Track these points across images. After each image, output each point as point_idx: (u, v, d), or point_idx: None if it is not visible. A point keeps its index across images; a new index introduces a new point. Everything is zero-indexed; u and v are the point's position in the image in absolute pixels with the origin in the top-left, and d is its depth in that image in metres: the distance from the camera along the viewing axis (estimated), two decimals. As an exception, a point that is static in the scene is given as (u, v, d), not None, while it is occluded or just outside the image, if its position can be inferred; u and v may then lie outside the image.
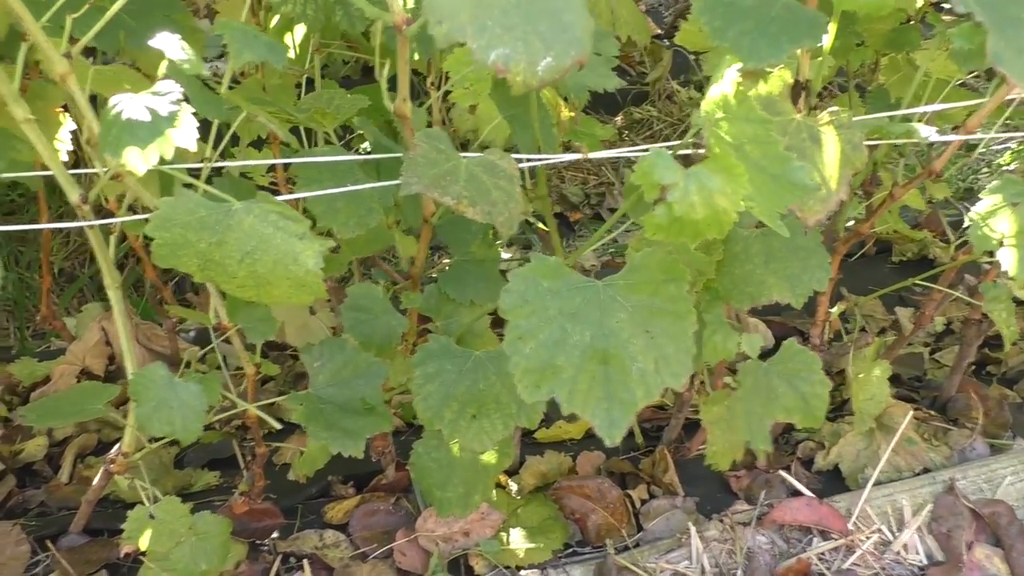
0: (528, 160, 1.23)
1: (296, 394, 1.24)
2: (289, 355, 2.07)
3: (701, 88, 3.22)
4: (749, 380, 1.33)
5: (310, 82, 1.51)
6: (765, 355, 1.35)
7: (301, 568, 1.48)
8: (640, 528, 1.56)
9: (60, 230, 2.49)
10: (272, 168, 1.68)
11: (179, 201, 1.01)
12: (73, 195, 1.09)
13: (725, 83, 0.99)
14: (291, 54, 1.51)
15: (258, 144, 1.75)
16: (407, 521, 1.54)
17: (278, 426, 1.26)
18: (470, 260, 1.37)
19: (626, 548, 1.52)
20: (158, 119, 0.95)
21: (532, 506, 1.57)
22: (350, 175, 1.23)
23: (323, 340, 1.26)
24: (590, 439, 1.78)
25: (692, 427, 1.71)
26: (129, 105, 0.96)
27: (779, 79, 1.15)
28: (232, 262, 1.03)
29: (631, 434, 1.77)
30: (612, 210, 2.99)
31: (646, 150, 1.00)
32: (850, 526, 1.52)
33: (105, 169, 1.09)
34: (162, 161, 0.96)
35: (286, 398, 1.25)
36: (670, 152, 0.99)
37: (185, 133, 0.96)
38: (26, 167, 1.22)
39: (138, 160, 0.95)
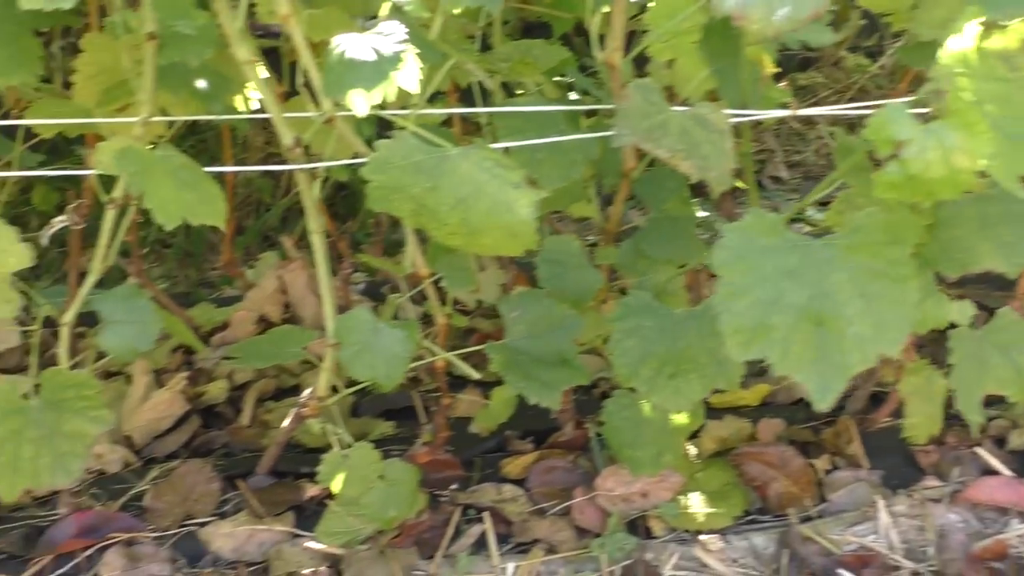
0: (735, 116, 1.19)
1: (493, 344, 1.24)
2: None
3: (872, 54, 3.11)
4: (961, 349, 1.28)
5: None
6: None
7: (480, 520, 1.48)
8: (823, 499, 1.51)
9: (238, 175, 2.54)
10: (446, 121, 1.67)
11: (397, 144, 1.02)
12: (287, 138, 1.10)
13: (964, 38, 0.94)
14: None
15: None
16: (585, 479, 1.53)
17: (476, 375, 1.26)
18: (666, 217, 1.35)
19: (808, 519, 1.48)
20: (382, 60, 0.95)
21: (711, 471, 1.54)
22: (553, 126, 1.21)
23: (520, 291, 1.25)
24: (766, 407, 1.74)
25: (875, 398, 1.66)
26: (353, 45, 0.96)
27: (1017, 33, 1.09)
28: (445, 208, 1.03)
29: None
30: (774, 178, 2.93)
31: (867, 107, 0.96)
32: (1051, 508, 1.46)
33: (319, 113, 1.09)
34: (383, 103, 0.96)
35: (484, 347, 1.24)
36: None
37: (408, 75, 0.96)
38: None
39: (361, 101, 0.95)
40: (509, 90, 1.37)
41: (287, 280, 2.00)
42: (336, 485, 1.31)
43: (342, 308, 1.93)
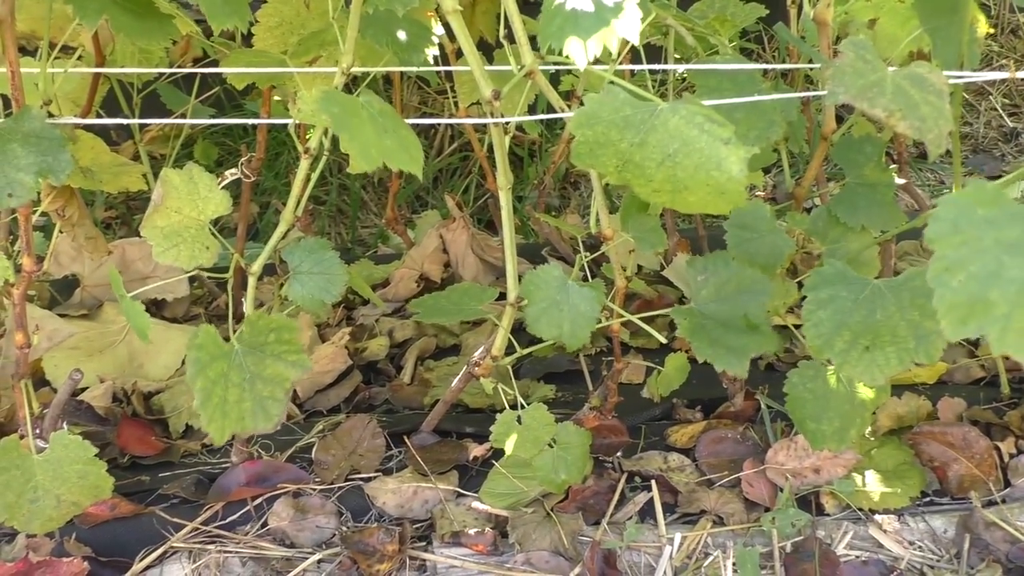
0: (952, 77, 1.13)
1: (679, 308, 1.21)
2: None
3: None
4: None
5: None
6: None
7: (646, 488, 1.46)
8: (1007, 484, 1.45)
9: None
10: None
11: (606, 98, 0.99)
12: (486, 90, 1.09)
13: None
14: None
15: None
16: (754, 452, 1.49)
17: (663, 340, 1.23)
18: (862, 183, 1.29)
19: (992, 503, 1.42)
20: (603, 9, 0.92)
21: (887, 449, 1.49)
22: (752, 85, 1.17)
23: (708, 255, 1.21)
24: (942, 385, 1.68)
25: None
26: (572, -5, 0.93)
27: None
28: (652, 164, 1.00)
29: (995, 382, 1.65)
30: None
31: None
32: None
33: (521, 66, 1.07)
34: (605, 55, 0.93)
35: (671, 311, 1.21)
36: None
37: (629, 24, 0.93)
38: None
39: (580, 51, 0.93)
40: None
41: (448, 239, 2.00)
42: (508, 445, 1.30)
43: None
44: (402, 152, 1.05)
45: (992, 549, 1.35)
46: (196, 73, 1.86)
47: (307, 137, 1.20)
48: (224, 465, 1.52)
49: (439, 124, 1.94)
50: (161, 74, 1.98)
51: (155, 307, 1.97)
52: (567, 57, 0.94)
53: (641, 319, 1.28)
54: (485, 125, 1.15)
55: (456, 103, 1.68)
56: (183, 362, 1.79)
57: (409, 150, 1.06)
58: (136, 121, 1.38)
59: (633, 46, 1.41)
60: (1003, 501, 1.42)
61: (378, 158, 1.01)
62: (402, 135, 1.07)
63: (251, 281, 1.22)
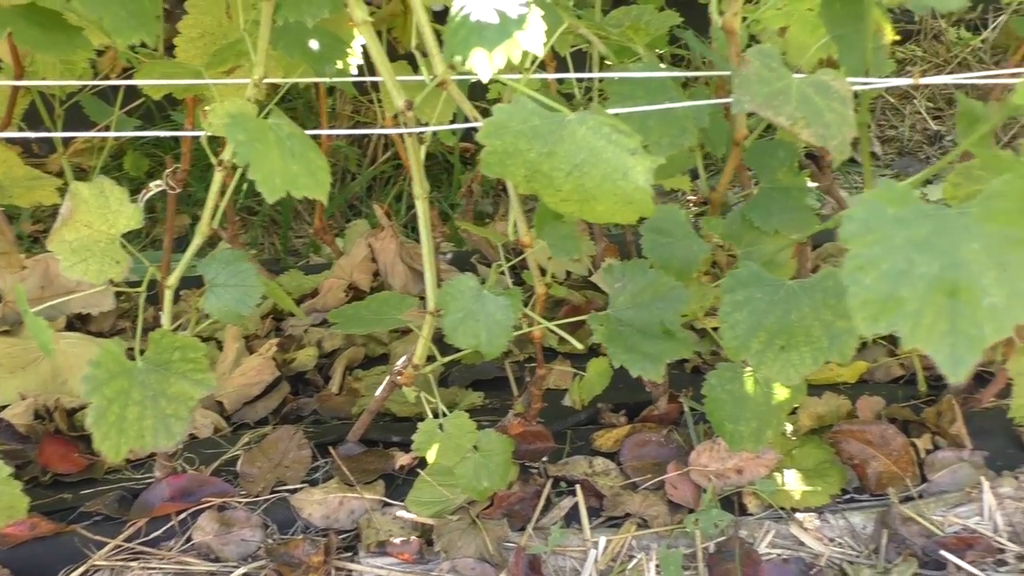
0: (856, 83, 1.16)
1: (596, 314, 1.22)
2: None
3: (974, 28, 3.03)
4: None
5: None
6: None
7: (571, 493, 1.47)
8: (924, 479, 1.48)
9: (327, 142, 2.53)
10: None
11: (514, 108, 1.00)
12: (399, 101, 1.09)
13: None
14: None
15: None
16: (678, 454, 1.51)
17: (580, 347, 1.24)
18: (776, 188, 1.32)
19: (909, 499, 1.44)
20: (507, 21, 0.93)
21: (808, 448, 1.51)
22: (664, 92, 1.19)
23: (625, 262, 1.23)
24: (863, 384, 1.71)
25: (980, 378, 1.62)
26: (477, 7, 0.94)
27: None
28: (560, 174, 1.01)
29: (913, 380, 1.69)
30: (870, 154, 2.88)
31: (1014, 74, 0.92)
32: None
33: (430, 77, 1.08)
34: (508, 66, 0.94)
35: (588, 317, 1.22)
36: None
37: (533, 37, 0.94)
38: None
39: (484, 63, 0.93)
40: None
41: (377, 248, 2.00)
42: (431, 454, 1.30)
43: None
44: (308, 177, 1.05)
45: (909, 543, 1.38)
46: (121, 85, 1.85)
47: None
48: (148, 481, 1.51)
49: (351, 135, 1.94)
50: (84, 86, 1.96)
51: (80, 321, 1.94)
52: (471, 68, 0.95)
53: (562, 326, 1.29)
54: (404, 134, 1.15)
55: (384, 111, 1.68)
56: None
57: (316, 175, 1.06)
58: (57, 135, 1.36)
59: (558, 53, 1.42)
60: (920, 496, 1.45)
61: (282, 187, 1.01)
62: (310, 158, 1.07)
63: (167, 295, 1.21)
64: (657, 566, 1.35)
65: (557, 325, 1.25)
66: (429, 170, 2.54)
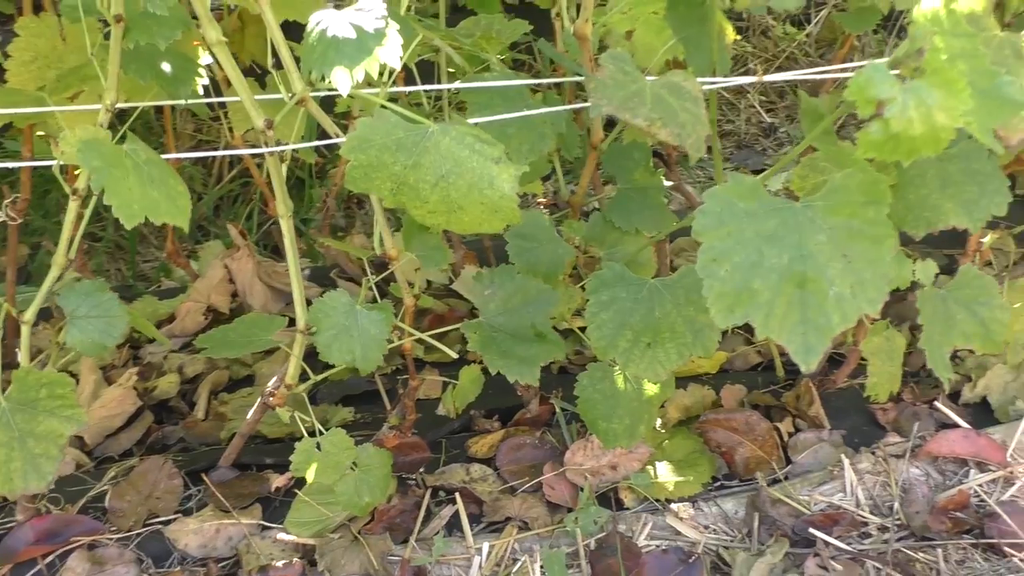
0: (705, 83, 1.19)
1: (469, 323, 1.23)
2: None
3: (798, 23, 3.15)
4: (928, 307, 1.30)
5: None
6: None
7: (451, 502, 1.47)
8: (788, 461, 1.54)
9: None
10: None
11: (377, 122, 1.00)
12: (258, 120, 1.08)
13: (936, -1, 0.96)
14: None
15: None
16: (553, 455, 1.53)
17: (454, 356, 1.24)
18: (633, 188, 1.35)
19: (776, 481, 1.50)
20: (364, 36, 0.93)
21: (677, 440, 1.55)
22: (521, 100, 1.21)
23: (493, 268, 1.24)
24: (724, 373, 1.76)
25: (832, 360, 1.69)
26: (333, 22, 0.94)
27: (982, -5, 1.11)
28: (426, 186, 1.01)
29: (771, 366, 1.75)
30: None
31: (843, 69, 0.97)
32: (1008, 458, 1.49)
33: (291, 94, 1.07)
34: (365, 81, 0.94)
35: (461, 326, 1.23)
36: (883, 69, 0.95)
37: (391, 51, 0.94)
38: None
39: (344, 78, 0.93)
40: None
41: (234, 268, 1.97)
42: (310, 474, 1.29)
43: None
44: (168, 203, 1.03)
45: (779, 524, 1.43)
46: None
47: (75, 175, 1.16)
48: (8, 524, 1.45)
49: (205, 156, 1.90)
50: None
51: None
52: (331, 84, 0.95)
53: (433, 335, 1.30)
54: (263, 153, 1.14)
55: (231, 129, 1.65)
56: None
57: (176, 200, 1.05)
58: None
59: (406, 65, 1.42)
60: (786, 478, 1.50)
61: (140, 213, 0.99)
62: (169, 185, 1.05)
63: (24, 330, 1.17)
64: (541, 567, 1.36)
65: (428, 335, 1.25)
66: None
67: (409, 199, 1.02)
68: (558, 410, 1.58)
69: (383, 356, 1.16)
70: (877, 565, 1.37)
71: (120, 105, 1.08)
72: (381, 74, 0.98)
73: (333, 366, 1.25)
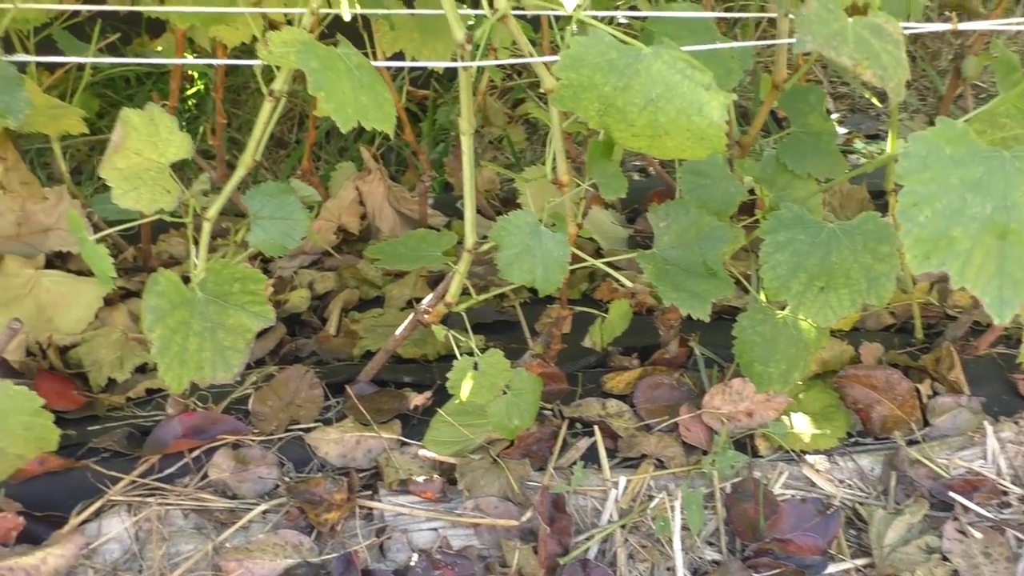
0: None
1: (644, 253, 1.22)
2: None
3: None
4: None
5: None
6: None
7: (586, 434, 1.48)
8: (926, 424, 1.52)
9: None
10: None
11: (591, 41, 0.99)
12: (459, 34, 1.08)
13: None
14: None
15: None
16: (689, 397, 1.53)
17: (629, 284, 1.24)
18: (807, 132, 1.33)
19: (913, 442, 1.49)
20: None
21: (813, 392, 1.54)
22: (708, 33, 1.19)
23: (668, 202, 1.23)
24: (856, 332, 1.75)
25: (974, 329, 1.68)
26: (566, -64, 0.93)
27: None
28: (634, 109, 1.01)
29: (905, 329, 1.73)
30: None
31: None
32: None
33: (493, 10, 1.06)
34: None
35: (634, 255, 1.23)
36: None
37: (623, -33, 0.93)
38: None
39: (572, -6, 0.93)
40: None
41: (365, 191, 1.98)
42: (464, 391, 1.30)
43: (418, 221, 1.92)
44: (376, 109, 1.03)
45: (917, 485, 1.42)
46: (96, 18, 1.79)
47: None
48: (155, 418, 1.49)
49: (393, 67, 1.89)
50: (55, 19, 1.89)
51: (59, 259, 1.89)
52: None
53: (607, 263, 1.29)
54: (448, 69, 1.14)
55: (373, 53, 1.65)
56: (96, 315, 1.73)
57: (383, 107, 1.05)
58: (90, 60, 1.31)
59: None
60: (924, 440, 1.49)
61: (354, 117, 1.00)
62: (378, 91, 1.05)
63: (205, 227, 1.19)
64: (679, 506, 1.37)
65: (601, 262, 1.25)
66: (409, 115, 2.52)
67: (615, 121, 1.02)
68: (697, 353, 1.57)
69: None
70: (1019, 535, 1.36)
71: (324, 10, 1.09)
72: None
73: (489, 289, 1.26)
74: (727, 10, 2.06)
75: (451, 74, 2.59)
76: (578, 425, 1.50)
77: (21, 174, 1.27)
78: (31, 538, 1.27)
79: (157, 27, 2.15)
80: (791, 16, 1.18)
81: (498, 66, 2.37)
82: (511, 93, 2.75)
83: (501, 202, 2.13)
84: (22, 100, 1.00)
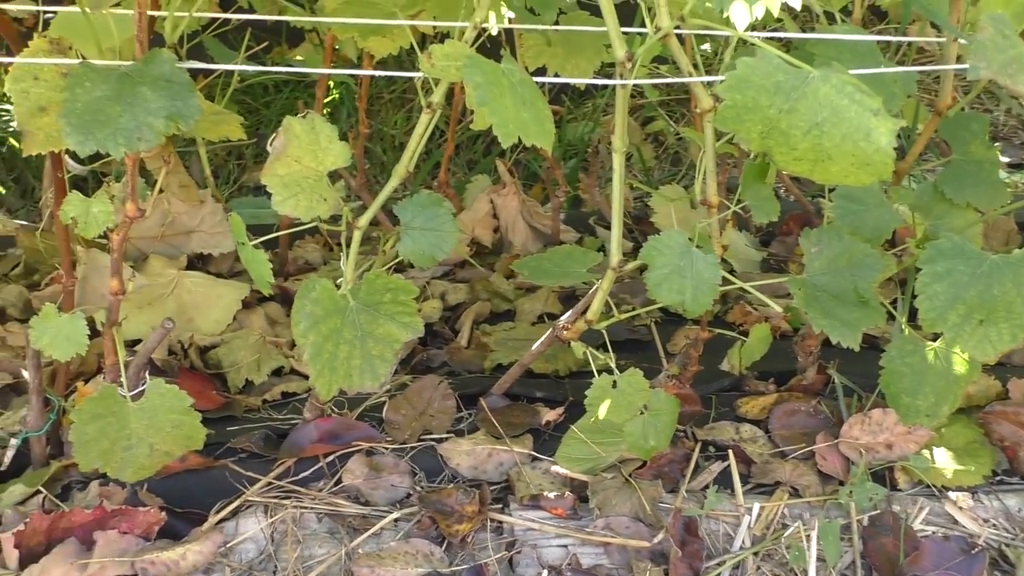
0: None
1: (795, 278, 1.20)
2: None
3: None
4: None
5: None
6: None
7: (720, 458, 1.46)
8: (1078, 467, 1.47)
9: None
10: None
11: (759, 63, 0.98)
12: (620, 51, 1.07)
13: None
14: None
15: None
16: (826, 425, 1.50)
17: (779, 309, 1.23)
18: (968, 160, 1.30)
19: (1063, 484, 1.43)
20: (769, -27, 0.91)
21: (957, 427, 1.49)
22: (871, 57, 1.17)
23: (821, 227, 1.21)
24: (1001, 366, 1.69)
25: None
26: (740, -44, 0.92)
27: None
28: (798, 132, 0.99)
29: (1056, 364, 1.68)
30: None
31: None
32: None
33: (656, 28, 1.06)
34: (766, 18, 0.92)
35: (784, 280, 1.21)
36: None
37: (796, -10, 0.92)
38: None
39: (742, 13, 0.91)
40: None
41: (499, 204, 1.99)
42: (602, 410, 1.29)
43: (550, 236, 1.92)
44: (536, 125, 1.04)
45: (1068, 531, 1.37)
46: (246, 27, 1.83)
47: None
48: (291, 421, 1.51)
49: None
50: (204, 27, 1.95)
51: (200, 261, 1.94)
52: (726, 18, 0.93)
53: (756, 287, 1.28)
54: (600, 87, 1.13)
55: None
56: (234, 317, 1.77)
57: (543, 124, 1.05)
58: (248, 68, 1.34)
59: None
60: (1076, 484, 1.43)
61: (515, 132, 1.00)
62: (538, 107, 1.05)
63: (356, 236, 1.20)
64: (817, 536, 1.34)
65: (751, 285, 1.23)
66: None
67: (777, 144, 1.00)
68: (836, 381, 1.54)
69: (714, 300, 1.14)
70: None
71: (484, 25, 1.09)
72: (769, 14, 0.96)
73: (635, 308, 1.25)
74: (880, 33, 2.03)
75: (580, 91, 2.60)
76: (711, 448, 1.48)
77: (180, 177, 1.30)
78: (171, 533, 1.30)
79: (296, 36, 2.20)
80: (961, 41, 1.15)
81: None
82: (641, 111, 2.73)
83: (634, 220, 2.12)
84: (193, 106, 1.02)
